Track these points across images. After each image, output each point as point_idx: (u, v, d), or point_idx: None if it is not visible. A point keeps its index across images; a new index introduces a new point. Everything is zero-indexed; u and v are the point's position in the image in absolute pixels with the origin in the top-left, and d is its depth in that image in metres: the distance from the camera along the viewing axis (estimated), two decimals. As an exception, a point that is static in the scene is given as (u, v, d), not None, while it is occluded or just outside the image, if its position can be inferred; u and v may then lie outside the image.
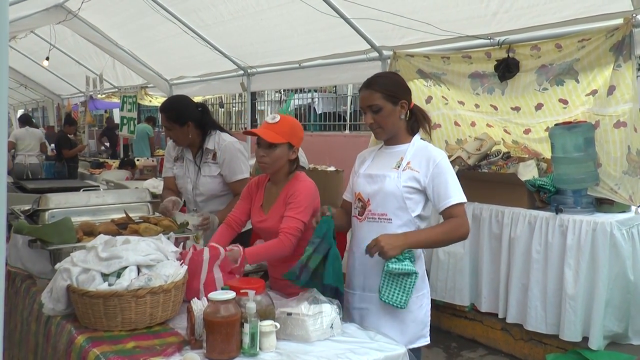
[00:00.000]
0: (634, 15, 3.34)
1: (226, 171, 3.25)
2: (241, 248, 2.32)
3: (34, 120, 11.91)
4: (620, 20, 3.42)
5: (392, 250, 2.15)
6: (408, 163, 2.31)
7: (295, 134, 2.51)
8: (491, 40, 4.10)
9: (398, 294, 2.21)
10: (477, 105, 4.51)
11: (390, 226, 2.29)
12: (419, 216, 2.31)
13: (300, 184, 2.50)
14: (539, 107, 4.12)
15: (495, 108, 4.38)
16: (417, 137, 2.40)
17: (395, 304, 2.21)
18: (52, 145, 11.00)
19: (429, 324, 2.39)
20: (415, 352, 2.22)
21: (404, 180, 2.28)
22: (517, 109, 4.24)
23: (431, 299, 2.43)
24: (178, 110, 3.24)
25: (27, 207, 3.02)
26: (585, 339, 3.57)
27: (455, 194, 2.25)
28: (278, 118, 2.48)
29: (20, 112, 19.11)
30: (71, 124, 10.51)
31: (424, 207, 2.33)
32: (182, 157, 3.40)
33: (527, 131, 4.36)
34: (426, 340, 2.37)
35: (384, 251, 2.15)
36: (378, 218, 2.32)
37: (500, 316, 4.08)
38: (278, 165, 2.50)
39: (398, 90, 2.34)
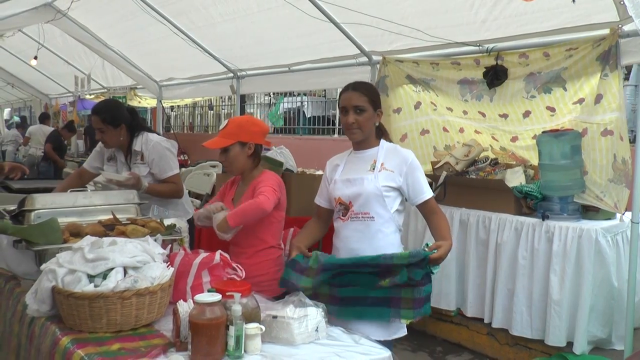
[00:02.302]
0: (620, 25, 3.38)
1: (156, 170, 3.46)
2: (227, 211, 2.49)
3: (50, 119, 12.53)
4: (606, 31, 3.46)
5: (447, 254, 2.35)
6: (382, 164, 2.50)
7: (244, 130, 2.64)
8: (480, 47, 4.13)
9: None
10: (465, 112, 4.54)
11: (373, 223, 2.48)
12: (397, 211, 2.52)
13: (267, 175, 2.66)
14: (526, 114, 4.15)
15: (484, 115, 4.41)
16: (383, 141, 2.59)
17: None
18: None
19: None
20: (388, 344, 2.27)
21: (381, 180, 2.46)
22: (505, 116, 4.27)
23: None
24: (112, 112, 3.43)
25: (12, 207, 2.99)
26: (570, 344, 3.60)
27: (427, 189, 2.52)
28: (226, 122, 2.66)
29: (7, 111, 18.95)
30: (70, 130, 10.53)
31: (400, 203, 2.53)
32: (114, 158, 3.60)
33: (514, 139, 4.38)
34: (404, 332, 2.51)
35: (438, 263, 2.32)
36: (362, 217, 2.49)
37: (486, 321, 4.10)
38: (238, 165, 2.67)
39: (378, 100, 2.56)
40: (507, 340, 3.98)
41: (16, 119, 18.73)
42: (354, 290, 2.36)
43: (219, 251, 2.30)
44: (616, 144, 3.52)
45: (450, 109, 4.68)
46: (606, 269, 3.57)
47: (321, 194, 2.70)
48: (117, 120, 3.42)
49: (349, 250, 2.50)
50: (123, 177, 3.30)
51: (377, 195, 2.45)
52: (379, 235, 2.48)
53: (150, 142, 3.47)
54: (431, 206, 2.52)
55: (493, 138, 4.57)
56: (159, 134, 3.64)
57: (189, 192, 5.91)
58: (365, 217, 2.47)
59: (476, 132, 4.66)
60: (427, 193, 2.50)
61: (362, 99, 2.47)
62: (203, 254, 2.30)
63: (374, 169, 2.49)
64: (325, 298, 2.36)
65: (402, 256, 2.32)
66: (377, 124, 2.56)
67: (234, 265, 2.30)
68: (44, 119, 12.10)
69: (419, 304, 2.33)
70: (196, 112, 13.75)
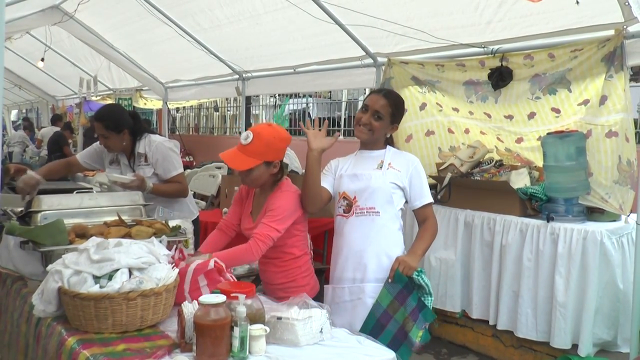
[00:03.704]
0: (625, 27, 3.37)
1: (160, 170, 3.47)
2: (210, 255, 2.32)
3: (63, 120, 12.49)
4: (611, 32, 3.46)
5: (415, 263, 2.42)
6: (389, 164, 2.55)
7: (272, 149, 2.46)
8: (485, 48, 4.13)
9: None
10: (471, 113, 4.54)
11: (379, 219, 2.50)
12: (401, 209, 2.57)
13: (282, 194, 2.50)
14: (531, 115, 4.14)
15: (489, 116, 4.41)
16: (389, 146, 2.66)
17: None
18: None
19: None
20: None
21: (389, 177, 2.51)
22: (510, 117, 4.27)
23: (422, 305, 2.51)
24: (115, 119, 3.44)
25: (19, 208, 3.01)
26: (575, 347, 3.59)
27: (428, 194, 2.57)
28: (251, 137, 2.41)
29: (14, 112, 19.03)
30: (71, 131, 10.86)
31: (404, 203, 2.59)
32: (117, 161, 3.59)
33: (519, 140, 4.38)
34: None
35: (411, 266, 2.40)
36: (367, 212, 2.51)
37: (491, 323, 4.09)
38: (260, 182, 2.53)
39: (400, 114, 2.63)
40: (512, 342, 3.98)
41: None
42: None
43: (214, 258, 2.24)
44: (621, 146, 3.51)
45: (456, 110, 4.68)
46: (611, 271, 3.56)
47: (324, 180, 2.60)
48: (120, 127, 3.42)
49: (351, 249, 2.51)
50: (128, 179, 3.33)
51: (385, 191, 2.49)
52: (383, 231, 2.49)
53: (153, 143, 3.49)
54: (425, 213, 2.57)
55: (498, 139, 4.56)
56: (161, 136, 3.66)
57: (194, 194, 5.92)
58: (371, 211, 2.50)
59: (482, 133, 4.66)
60: (427, 198, 2.56)
61: (386, 109, 2.55)
62: (198, 260, 2.25)
63: (381, 167, 2.54)
64: None
65: (384, 296, 2.43)
66: (388, 135, 2.63)
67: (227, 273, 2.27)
68: (55, 120, 12.01)
69: (415, 315, 2.43)
70: (202, 113, 13.77)
